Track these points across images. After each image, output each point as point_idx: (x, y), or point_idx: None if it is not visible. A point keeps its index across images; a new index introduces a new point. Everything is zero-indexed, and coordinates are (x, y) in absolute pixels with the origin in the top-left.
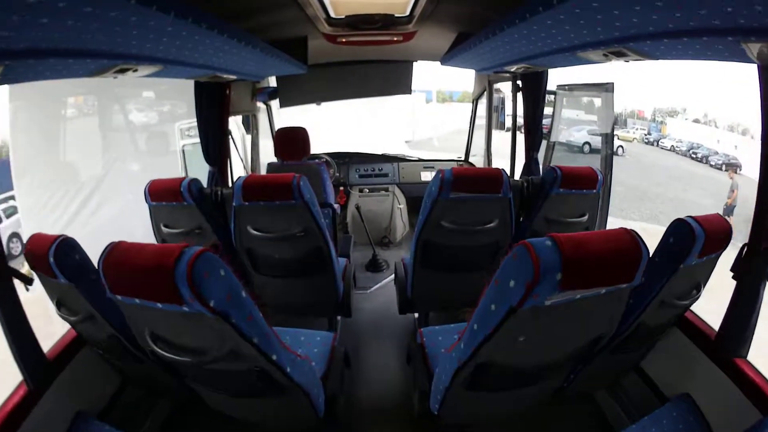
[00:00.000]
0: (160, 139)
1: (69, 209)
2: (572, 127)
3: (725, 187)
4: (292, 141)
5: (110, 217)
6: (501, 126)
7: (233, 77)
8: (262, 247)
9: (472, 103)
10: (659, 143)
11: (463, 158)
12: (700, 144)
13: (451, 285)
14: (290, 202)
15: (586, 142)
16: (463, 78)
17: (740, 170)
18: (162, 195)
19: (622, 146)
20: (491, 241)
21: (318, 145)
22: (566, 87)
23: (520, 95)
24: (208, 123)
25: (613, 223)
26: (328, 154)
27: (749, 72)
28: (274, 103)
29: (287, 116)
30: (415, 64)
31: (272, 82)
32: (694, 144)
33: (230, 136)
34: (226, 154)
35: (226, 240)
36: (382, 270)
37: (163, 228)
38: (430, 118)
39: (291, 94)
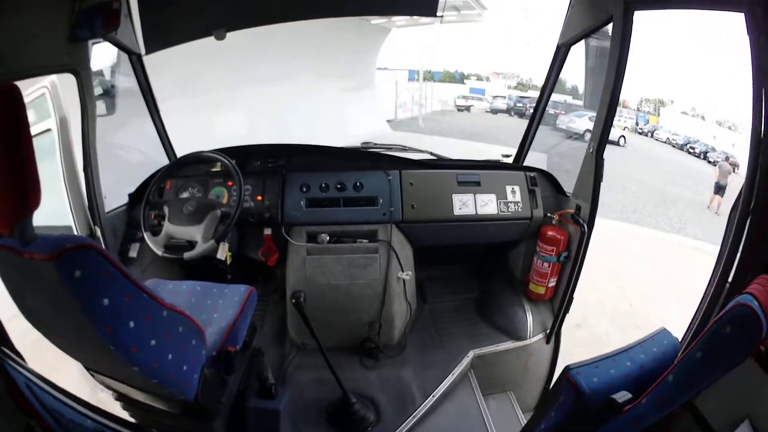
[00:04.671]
0: None
1: None
2: (571, 112)
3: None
4: None
5: None
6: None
7: None
8: None
9: (555, 56)
10: (654, 134)
11: (512, 156)
12: (697, 139)
13: None
14: None
15: (587, 130)
16: (443, 58)
17: (737, 169)
18: None
19: (624, 136)
20: None
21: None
22: None
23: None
24: None
25: (651, 235)
26: (233, 151)
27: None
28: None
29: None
30: (395, 37)
31: None
32: (690, 138)
33: None
34: None
35: None
36: (367, 426)
37: None
38: (414, 96)
39: (164, 13)
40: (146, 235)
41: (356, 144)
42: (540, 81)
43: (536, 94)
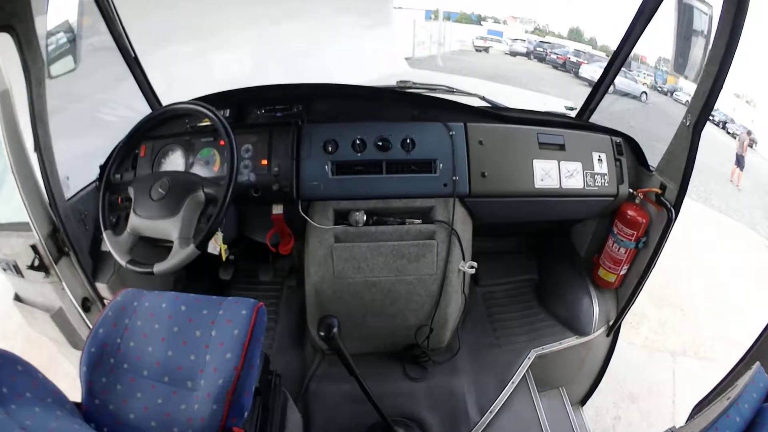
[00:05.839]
0: None
1: None
2: (594, 62)
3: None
4: None
5: None
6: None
7: None
8: None
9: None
10: (674, 95)
11: (576, 110)
12: (717, 107)
13: None
14: None
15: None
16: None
17: (756, 146)
18: None
19: (645, 92)
20: None
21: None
22: None
23: None
24: None
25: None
26: (225, 98)
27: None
28: None
29: None
30: None
31: None
32: None
33: None
34: None
35: None
36: None
37: None
38: (432, 35)
39: None
40: (105, 235)
41: (385, 84)
42: (557, 27)
43: (554, 39)
